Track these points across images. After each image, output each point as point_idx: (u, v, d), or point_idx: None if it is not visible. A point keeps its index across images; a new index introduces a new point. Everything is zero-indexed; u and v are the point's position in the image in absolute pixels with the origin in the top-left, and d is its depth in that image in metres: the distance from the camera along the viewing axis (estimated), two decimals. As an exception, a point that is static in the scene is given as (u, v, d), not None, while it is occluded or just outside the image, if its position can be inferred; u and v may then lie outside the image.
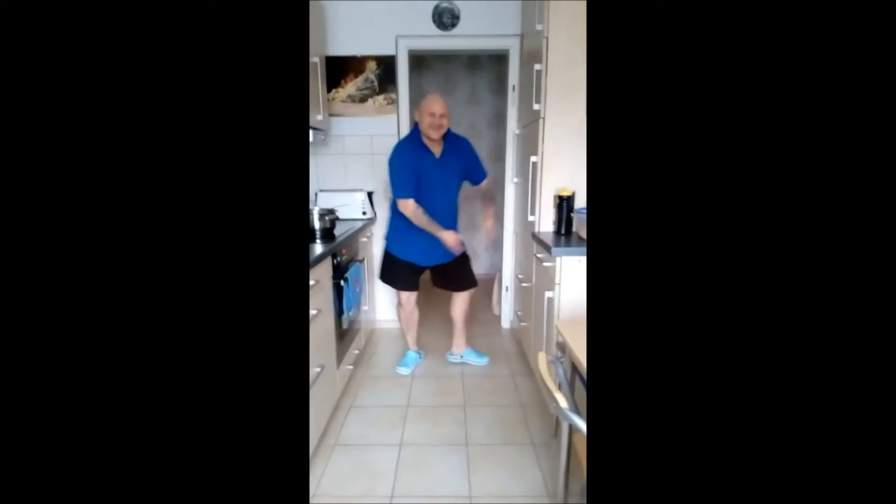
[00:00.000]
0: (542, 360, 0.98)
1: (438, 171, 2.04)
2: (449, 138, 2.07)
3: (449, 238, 2.03)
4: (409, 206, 1.99)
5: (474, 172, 2.16)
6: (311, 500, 1.38)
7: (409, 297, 2.22)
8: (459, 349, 2.33)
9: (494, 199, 2.31)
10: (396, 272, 2.19)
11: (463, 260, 2.18)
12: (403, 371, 2.25)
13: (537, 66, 1.90)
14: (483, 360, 2.31)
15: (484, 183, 2.20)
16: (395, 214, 2.14)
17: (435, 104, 1.95)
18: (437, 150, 2.04)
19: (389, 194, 2.60)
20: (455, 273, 2.18)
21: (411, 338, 2.34)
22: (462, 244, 2.09)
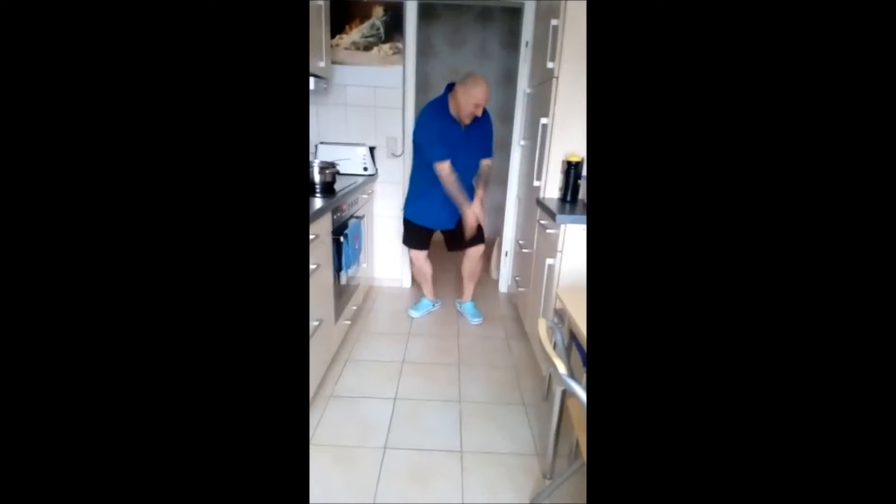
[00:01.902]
0: (542, 326, 0.99)
1: (462, 143, 2.09)
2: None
3: (470, 217, 2.11)
4: (445, 169, 2.01)
5: (486, 148, 2.21)
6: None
7: (418, 254, 2.34)
8: (464, 299, 2.47)
9: (486, 183, 2.23)
10: (411, 234, 2.30)
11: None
12: (413, 314, 2.42)
13: (554, 22, 1.79)
14: (475, 320, 2.39)
15: (487, 163, 2.22)
16: (414, 180, 2.24)
17: (483, 94, 1.95)
18: (463, 122, 2.09)
19: (399, 151, 2.57)
20: (459, 231, 2.24)
21: (427, 289, 2.47)
22: (478, 227, 2.19)
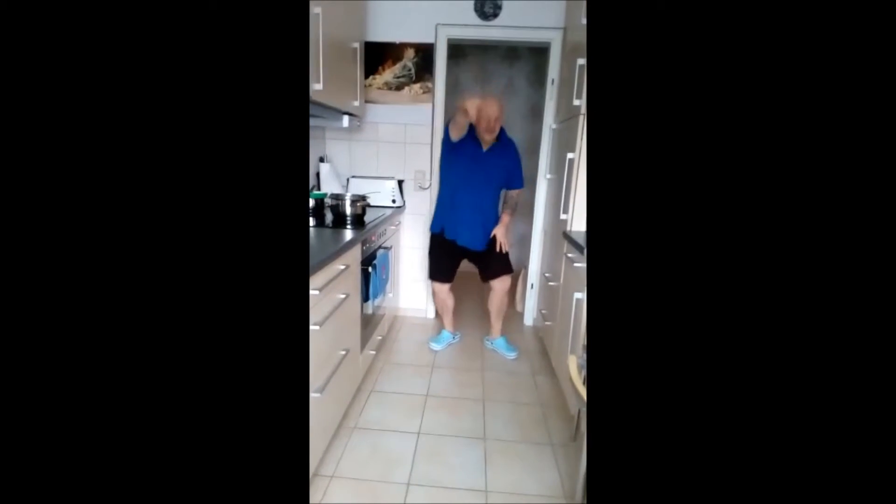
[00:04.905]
0: (572, 363, 0.97)
1: (480, 165, 2.15)
2: (501, 139, 2.19)
3: (498, 231, 2.17)
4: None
5: (513, 178, 2.24)
6: (331, 479, 1.41)
7: (441, 287, 2.35)
8: (493, 336, 2.44)
9: (514, 209, 2.26)
10: (432, 256, 2.34)
11: (495, 249, 2.21)
12: (434, 347, 2.40)
13: (580, 61, 1.85)
14: (511, 354, 2.35)
15: (515, 192, 2.26)
16: (438, 196, 2.31)
17: (482, 105, 2.01)
18: (485, 144, 2.15)
19: (426, 184, 2.62)
20: (487, 259, 2.25)
21: (447, 321, 2.48)
22: (505, 256, 2.22)
